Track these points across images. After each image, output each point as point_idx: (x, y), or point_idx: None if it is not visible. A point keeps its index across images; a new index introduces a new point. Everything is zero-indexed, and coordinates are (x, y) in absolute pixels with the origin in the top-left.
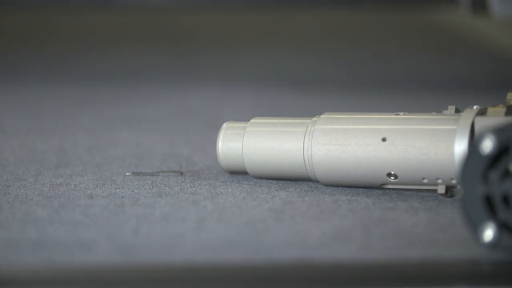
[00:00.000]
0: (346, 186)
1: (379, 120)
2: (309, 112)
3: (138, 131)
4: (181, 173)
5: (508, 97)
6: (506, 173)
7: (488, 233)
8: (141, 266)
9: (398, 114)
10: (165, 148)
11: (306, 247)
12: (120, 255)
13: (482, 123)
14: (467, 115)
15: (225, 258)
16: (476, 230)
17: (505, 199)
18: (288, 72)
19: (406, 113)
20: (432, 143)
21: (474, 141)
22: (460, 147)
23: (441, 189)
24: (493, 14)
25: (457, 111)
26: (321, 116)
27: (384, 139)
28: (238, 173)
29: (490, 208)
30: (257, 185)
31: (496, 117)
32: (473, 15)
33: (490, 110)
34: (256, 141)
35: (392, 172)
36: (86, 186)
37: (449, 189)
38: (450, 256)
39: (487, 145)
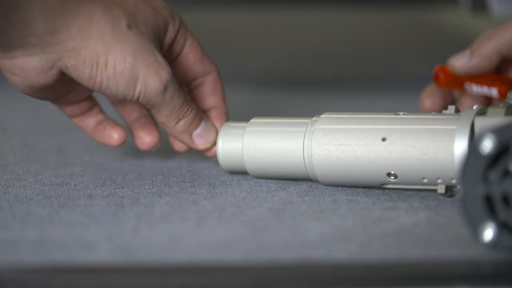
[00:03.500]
0: (346, 186)
1: (379, 120)
2: (309, 112)
3: None
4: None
5: (508, 96)
6: (506, 173)
7: (488, 233)
8: (141, 266)
9: (398, 114)
10: (165, 147)
11: (306, 246)
12: (120, 254)
13: (482, 123)
14: (467, 115)
15: (225, 257)
16: (476, 230)
17: (505, 199)
18: (288, 72)
19: (406, 113)
20: (432, 143)
21: (474, 141)
22: (460, 147)
23: (441, 189)
24: (493, 14)
25: (457, 111)
26: (321, 116)
27: (384, 139)
28: (238, 173)
29: (490, 208)
30: (257, 185)
31: (496, 117)
32: (473, 15)
33: (490, 110)
34: (256, 141)
35: (392, 172)
36: (86, 186)
37: (449, 189)
38: (450, 256)
39: (487, 145)
